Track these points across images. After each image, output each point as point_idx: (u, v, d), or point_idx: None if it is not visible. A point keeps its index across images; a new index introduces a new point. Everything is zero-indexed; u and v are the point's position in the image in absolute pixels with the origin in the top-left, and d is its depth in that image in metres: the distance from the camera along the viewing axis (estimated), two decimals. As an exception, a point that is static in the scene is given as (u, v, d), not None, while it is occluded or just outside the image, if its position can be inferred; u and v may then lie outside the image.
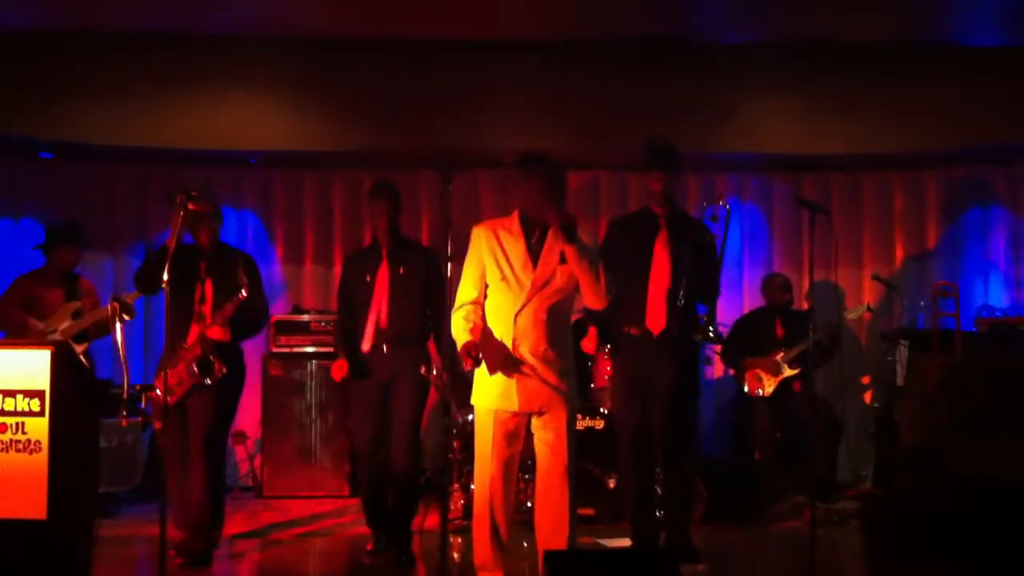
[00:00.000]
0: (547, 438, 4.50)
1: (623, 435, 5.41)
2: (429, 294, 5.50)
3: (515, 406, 4.45)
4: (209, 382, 5.33)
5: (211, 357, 5.32)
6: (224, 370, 5.34)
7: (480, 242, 4.54)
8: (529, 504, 5.48)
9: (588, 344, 5.62)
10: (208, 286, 5.43)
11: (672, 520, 5.36)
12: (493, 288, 4.52)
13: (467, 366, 4.47)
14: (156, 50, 7.22)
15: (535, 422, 4.53)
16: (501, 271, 4.48)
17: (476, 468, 4.59)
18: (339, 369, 5.54)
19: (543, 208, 4.42)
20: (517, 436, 4.54)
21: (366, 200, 5.97)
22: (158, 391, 5.32)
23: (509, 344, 4.43)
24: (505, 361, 4.41)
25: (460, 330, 4.50)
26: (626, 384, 5.41)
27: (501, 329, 4.48)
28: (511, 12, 6.78)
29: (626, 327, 5.32)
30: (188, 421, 5.42)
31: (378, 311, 5.46)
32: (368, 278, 5.50)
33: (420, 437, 5.52)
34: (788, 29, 7.16)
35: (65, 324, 6.46)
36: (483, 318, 4.54)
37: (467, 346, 4.43)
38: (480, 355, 4.40)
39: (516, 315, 4.44)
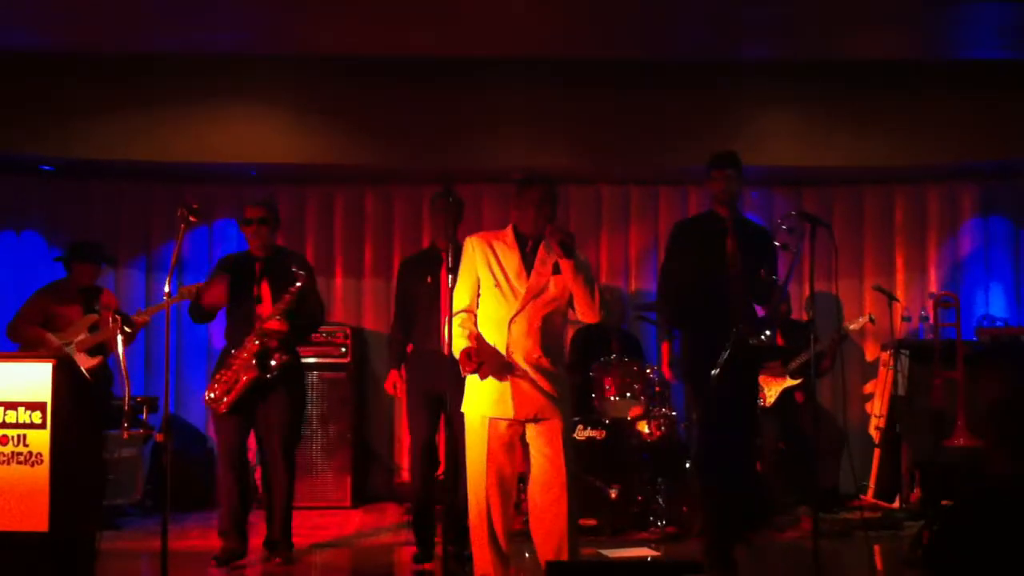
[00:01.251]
0: (544, 448, 4.49)
1: (706, 443, 5.29)
2: None
3: (510, 413, 4.45)
4: (269, 375, 5.41)
5: (269, 348, 5.41)
6: (284, 358, 5.45)
7: (473, 252, 4.60)
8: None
9: (667, 367, 5.59)
10: (264, 287, 5.57)
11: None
12: (486, 295, 4.55)
13: (467, 371, 4.48)
14: (159, 67, 7.25)
15: (530, 431, 4.52)
16: (495, 278, 4.52)
17: (470, 479, 4.57)
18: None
19: (540, 223, 4.49)
20: (512, 445, 4.54)
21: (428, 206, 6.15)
22: (211, 395, 5.44)
23: (503, 351, 4.46)
24: (500, 366, 4.44)
25: (458, 336, 4.52)
26: (716, 390, 5.15)
27: (495, 336, 4.50)
28: (514, 30, 6.80)
29: (705, 332, 5.25)
30: (260, 425, 5.56)
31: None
32: (430, 280, 5.63)
33: None
34: (790, 46, 7.18)
35: (80, 337, 6.49)
36: (476, 325, 4.57)
37: (467, 351, 4.44)
38: (479, 360, 4.42)
39: (510, 322, 4.47)
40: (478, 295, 4.59)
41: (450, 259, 5.34)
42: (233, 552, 5.55)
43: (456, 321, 4.56)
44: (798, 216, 5.27)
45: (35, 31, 6.77)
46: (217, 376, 5.49)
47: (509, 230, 4.63)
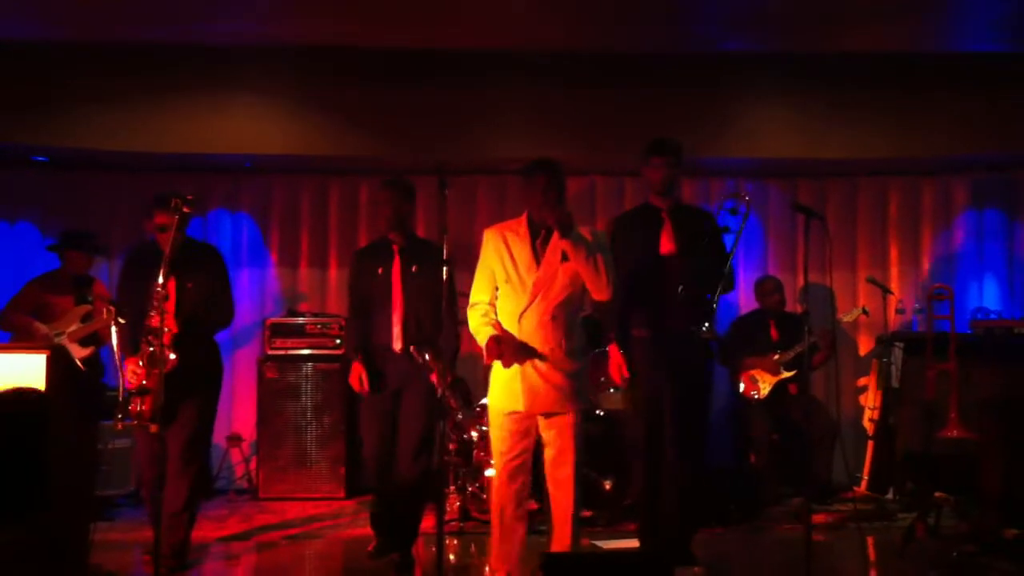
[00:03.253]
0: (553, 440, 4.53)
1: (640, 434, 5.27)
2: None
3: (521, 407, 4.49)
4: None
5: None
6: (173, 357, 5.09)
7: (489, 245, 4.63)
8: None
9: (616, 365, 5.30)
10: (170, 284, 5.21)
11: (678, 523, 5.27)
12: (501, 290, 4.59)
13: (490, 359, 4.49)
14: (153, 58, 7.21)
15: (541, 423, 4.55)
16: (507, 273, 4.54)
17: (494, 470, 4.66)
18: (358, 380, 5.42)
19: (543, 209, 4.49)
20: (527, 437, 4.56)
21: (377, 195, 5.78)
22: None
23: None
24: (519, 352, 4.48)
25: (480, 325, 4.55)
26: (645, 384, 5.24)
27: (507, 328, 4.54)
28: (510, 22, 6.77)
29: (639, 328, 5.21)
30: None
31: (400, 312, 5.43)
32: (380, 271, 5.46)
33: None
34: (786, 38, 7.16)
35: (73, 327, 6.48)
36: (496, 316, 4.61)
37: (493, 338, 4.47)
38: (501, 350, 4.46)
39: (520, 316, 4.49)
40: (496, 288, 4.62)
41: (400, 252, 5.36)
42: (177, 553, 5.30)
43: (478, 311, 4.60)
44: (793, 207, 5.22)
45: (29, 21, 6.74)
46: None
47: (523, 220, 4.64)
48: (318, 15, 6.65)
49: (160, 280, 4.89)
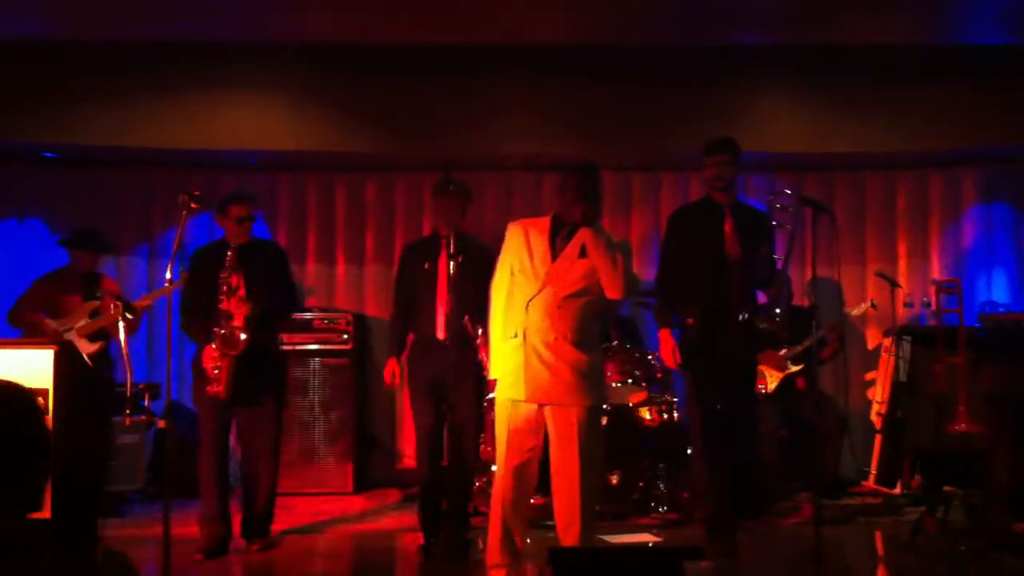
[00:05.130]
0: (557, 432, 4.47)
1: (696, 425, 5.37)
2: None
3: (522, 395, 4.45)
4: (235, 353, 5.41)
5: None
6: (247, 337, 5.41)
7: (511, 240, 4.63)
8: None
9: (668, 350, 5.48)
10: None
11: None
12: (515, 280, 4.57)
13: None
14: (160, 55, 7.24)
15: (547, 414, 4.49)
16: (521, 264, 4.54)
17: (496, 460, 4.64)
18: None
19: (575, 205, 4.46)
20: (534, 436, 4.52)
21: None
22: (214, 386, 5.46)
23: (519, 332, 4.47)
24: None
25: (498, 340, 4.60)
26: (699, 373, 5.35)
27: (515, 318, 4.51)
28: (515, 16, 6.77)
29: (694, 318, 5.30)
30: (243, 417, 5.63)
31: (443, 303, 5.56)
32: (427, 265, 5.63)
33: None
34: (793, 32, 7.15)
35: (81, 323, 6.50)
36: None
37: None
38: None
39: (527, 304, 4.47)
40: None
41: (451, 246, 5.37)
42: (221, 538, 5.58)
43: (498, 323, 4.60)
44: (798, 200, 5.25)
45: (37, 19, 6.76)
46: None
47: (548, 218, 4.64)
48: (324, 10, 6.65)
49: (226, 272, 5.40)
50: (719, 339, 5.24)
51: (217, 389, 5.41)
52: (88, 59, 7.24)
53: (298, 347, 7.46)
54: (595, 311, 4.59)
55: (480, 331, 5.34)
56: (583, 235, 4.46)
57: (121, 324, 5.05)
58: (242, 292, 5.44)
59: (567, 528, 4.49)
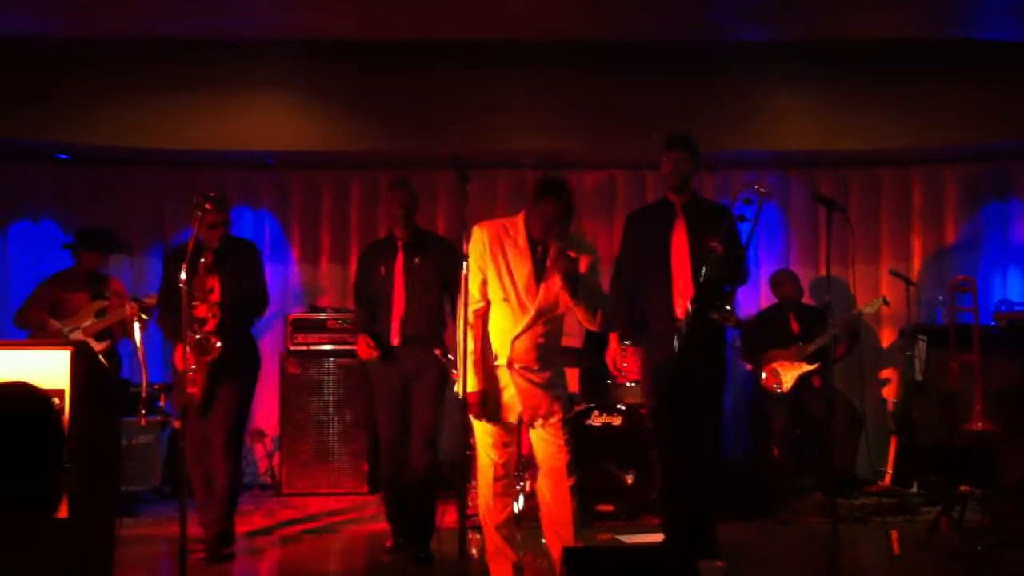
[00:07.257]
0: (541, 436, 4.50)
1: (657, 429, 5.30)
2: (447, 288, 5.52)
3: (513, 419, 4.49)
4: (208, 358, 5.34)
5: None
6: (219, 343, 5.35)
7: (481, 247, 4.43)
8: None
9: (612, 356, 5.59)
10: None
11: (697, 515, 5.26)
12: (495, 305, 4.45)
13: (472, 412, 4.45)
14: (174, 54, 7.26)
15: (532, 433, 4.53)
16: (504, 290, 4.40)
17: (478, 477, 4.64)
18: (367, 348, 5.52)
19: (549, 237, 4.35)
20: (511, 449, 4.56)
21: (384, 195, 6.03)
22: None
23: (504, 361, 4.43)
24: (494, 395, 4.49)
25: (472, 376, 4.38)
26: (657, 380, 5.24)
27: (498, 345, 4.46)
28: (527, 13, 6.77)
29: (653, 322, 5.20)
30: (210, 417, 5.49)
31: (399, 306, 5.49)
32: (383, 270, 5.53)
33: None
34: (804, 27, 7.13)
35: (88, 322, 6.52)
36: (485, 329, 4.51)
37: (478, 395, 4.41)
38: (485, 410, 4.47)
39: (514, 340, 4.41)
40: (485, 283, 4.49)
41: (404, 248, 5.43)
42: (221, 539, 5.51)
43: (472, 336, 4.40)
44: (814, 198, 5.19)
45: (50, 18, 6.79)
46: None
47: (520, 226, 4.45)
48: (333, 9, 6.67)
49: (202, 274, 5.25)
50: (667, 341, 5.08)
51: (193, 390, 5.31)
52: (102, 59, 7.26)
53: (312, 347, 7.48)
54: (561, 320, 4.57)
55: (452, 357, 5.26)
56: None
57: (137, 325, 5.08)
58: (216, 296, 5.37)
59: (562, 530, 4.47)
